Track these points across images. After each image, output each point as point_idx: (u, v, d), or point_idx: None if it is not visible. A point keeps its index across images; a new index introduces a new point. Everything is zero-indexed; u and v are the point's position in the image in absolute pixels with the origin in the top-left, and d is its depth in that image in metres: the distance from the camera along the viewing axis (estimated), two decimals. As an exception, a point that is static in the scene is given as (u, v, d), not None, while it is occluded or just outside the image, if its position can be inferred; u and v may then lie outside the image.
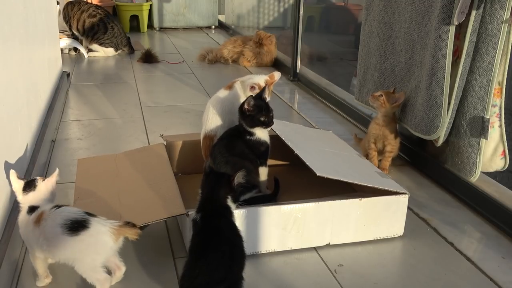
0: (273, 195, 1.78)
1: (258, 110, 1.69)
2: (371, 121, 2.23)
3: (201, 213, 1.32)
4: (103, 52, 4.33)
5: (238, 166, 1.69)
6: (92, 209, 1.58)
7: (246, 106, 1.69)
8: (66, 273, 1.43)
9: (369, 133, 2.20)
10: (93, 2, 5.19)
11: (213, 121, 1.86)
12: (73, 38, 4.38)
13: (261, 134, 1.74)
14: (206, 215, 1.31)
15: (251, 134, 1.73)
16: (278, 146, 1.80)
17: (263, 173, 1.79)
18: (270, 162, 1.82)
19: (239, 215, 1.50)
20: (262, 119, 1.69)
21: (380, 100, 2.11)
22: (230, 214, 1.35)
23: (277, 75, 1.93)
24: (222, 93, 1.90)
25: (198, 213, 1.33)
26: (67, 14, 4.38)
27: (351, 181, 1.65)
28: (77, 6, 4.37)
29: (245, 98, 1.72)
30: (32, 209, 1.35)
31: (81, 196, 1.66)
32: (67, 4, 4.45)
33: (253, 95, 1.70)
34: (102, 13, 4.35)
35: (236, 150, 1.72)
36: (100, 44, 4.30)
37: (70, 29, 4.40)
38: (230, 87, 1.91)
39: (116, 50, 4.34)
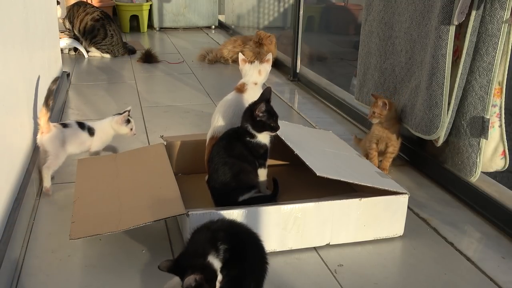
0: (273, 195, 1.78)
1: (269, 115, 1.70)
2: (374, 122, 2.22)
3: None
4: (100, 54, 4.34)
5: (236, 167, 1.70)
6: (92, 209, 1.60)
7: (258, 112, 1.69)
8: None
9: (372, 133, 2.19)
10: (93, 2, 5.19)
11: (221, 122, 1.85)
12: (73, 38, 4.39)
13: (262, 137, 1.74)
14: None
15: (253, 136, 1.73)
16: (278, 146, 1.80)
17: (262, 174, 1.78)
18: (270, 162, 1.82)
19: (239, 215, 1.50)
20: (273, 124, 1.71)
21: (377, 116, 2.12)
22: None
23: (268, 55, 1.95)
24: (233, 95, 1.90)
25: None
26: (71, 15, 4.38)
27: (351, 181, 1.65)
28: (83, 7, 4.38)
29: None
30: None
31: (81, 196, 1.67)
32: (74, 4, 4.46)
33: (264, 103, 1.70)
34: (106, 18, 4.36)
35: (235, 151, 1.72)
36: (98, 49, 4.32)
37: (73, 29, 4.41)
38: (240, 90, 1.90)
39: (114, 56, 4.35)
